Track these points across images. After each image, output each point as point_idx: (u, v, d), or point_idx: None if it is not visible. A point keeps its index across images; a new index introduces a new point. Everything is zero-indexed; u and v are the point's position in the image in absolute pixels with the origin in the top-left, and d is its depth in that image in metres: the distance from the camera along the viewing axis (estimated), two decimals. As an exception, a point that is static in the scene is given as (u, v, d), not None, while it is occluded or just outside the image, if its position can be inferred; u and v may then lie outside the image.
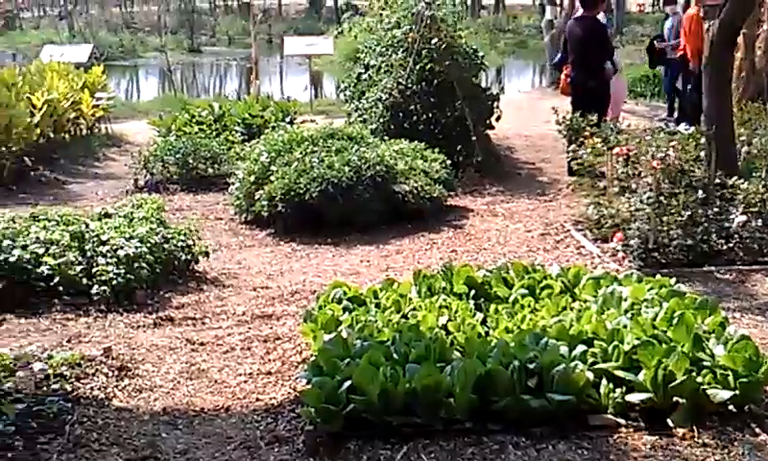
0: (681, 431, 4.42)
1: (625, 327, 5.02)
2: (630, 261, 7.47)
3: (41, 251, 6.89)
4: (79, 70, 15.27)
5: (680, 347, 4.72)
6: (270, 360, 5.65)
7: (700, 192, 7.91)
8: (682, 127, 10.13)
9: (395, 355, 4.76)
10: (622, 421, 4.53)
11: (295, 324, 6.26)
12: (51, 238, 7.07)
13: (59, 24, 37.61)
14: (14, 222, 7.41)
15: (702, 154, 8.42)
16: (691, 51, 13.88)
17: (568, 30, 11.89)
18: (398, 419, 4.41)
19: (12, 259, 6.72)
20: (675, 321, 5.00)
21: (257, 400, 5.10)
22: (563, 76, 12.11)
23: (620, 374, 4.66)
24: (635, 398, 4.57)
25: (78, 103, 14.00)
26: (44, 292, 6.75)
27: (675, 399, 4.52)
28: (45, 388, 5.11)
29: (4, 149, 11.44)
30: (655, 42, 16.43)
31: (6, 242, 6.86)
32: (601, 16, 13.19)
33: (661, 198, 7.69)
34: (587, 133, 9.49)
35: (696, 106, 13.64)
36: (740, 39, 10.57)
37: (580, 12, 11.80)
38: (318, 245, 8.66)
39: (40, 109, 12.34)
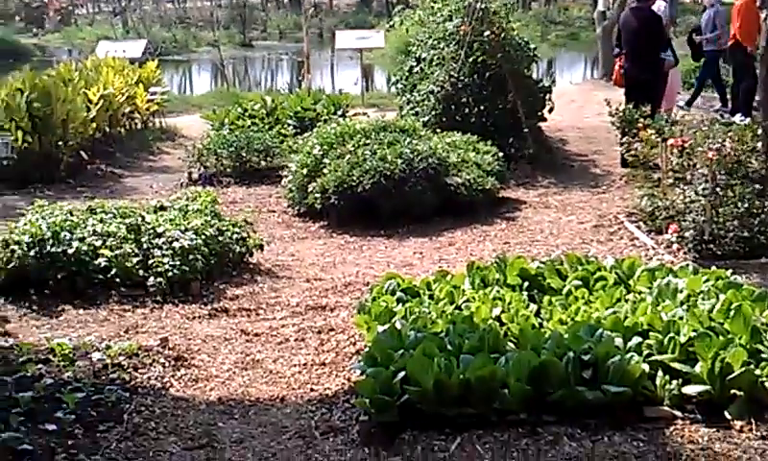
0: (738, 424, 4.38)
1: (681, 318, 4.98)
2: (685, 253, 7.41)
3: (99, 243, 6.99)
4: (133, 65, 15.45)
5: (737, 339, 4.68)
6: (324, 351, 5.69)
7: (756, 184, 7.80)
8: (737, 117, 10.00)
9: (448, 347, 4.77)
10: (678, 413, 4.50)
11: (348, 315, 6.30)
12: (108, 231, 7.19)
13: (113, 20, 38.02)
14: (72, 215, 7.51)
15: (758, 145, 8.31)
16: (743, 37, 13.68)
17: (622, 21, 11.79)
18: (452, 410, 4.42)
19: (70, 251, 6.83)
20: (732, 313, 4.94)
21: (312, 390, 5.14)
22: (616, 67, 12.02)
23: (676, 365, 4.63)
24: (691, 390, 4.53)
25: (133, 97, 14.16)
26: (101, 283, 6.86)
27: (732, 391, 4.47)
28: (104, 377, 5.20)
29: (61, 143, 11.62)
30: (693, 35, 16.25)
31: (64, 234, 6.97)
32: (663, 5, 13.09)
33: (717, 189, 7.60)
34: (640, 125, 9.40)
35: (752, 91, 13.53)
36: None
37: (635, 2, 11.69)
38: (371, 237, 8.68)
39: (96, 104, 12.50)
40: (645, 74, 11.10)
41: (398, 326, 5.13)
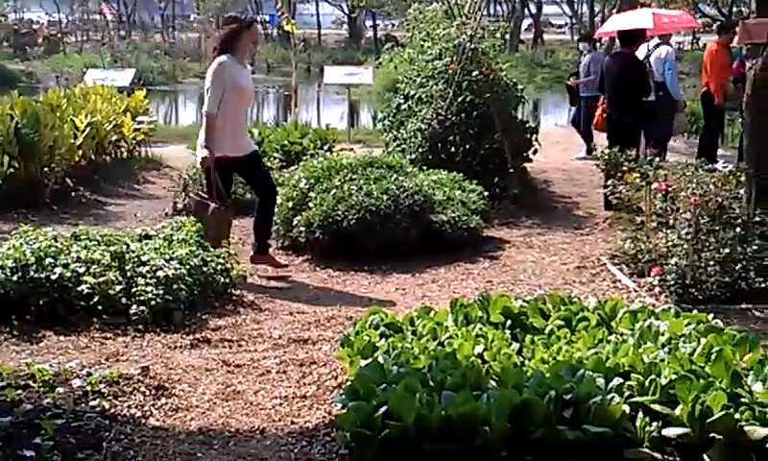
0: (717, 468, 4.39)
1: (662, 361, 5.00)
2: (667, 296, 7.45)
3: (82, 270, 6.97)
4: (121, 94, 15.47)
5: (718, 382, 4.69)
6: (305, 384, 5.68)
7: (739, 229, 7.87)
8: (720, 164, 10.10)
9: (431, 382, 4.76)
10: (658, 455, 4.49)
11: (331, 349, 6.29)
12: (92, 258, 7.16)
13: (101, 49, 38.09)
14: (57, 241, 7.49)
15: (741, 191, 8.39)
16: (714, 88, 13.81)
17: (605, 66, 11.94)
18: (433, 446, 4.40)
19: (53, 277, 6.81)
20: (713, 356, 4.97)
21: (292, 423, 5.12)
22: (599, 112, 12.15)
23: (657, 407, 4.64)
24: (671, 432, 4.54)
25: (120, 126, 14.17)
26: (84, 310, 6.83)
27: (712, 435, 4.47)
28: (84, 405, 5.15)
29: (47, 169, 11.61)
30: (571, 79, 16.47)
31: (48, 260, 6.96)
32: (669, 49, 13.24)
33: (700, 234, 7.66)
34: (625, 168, 9.48)
35: (713, 145, 13.70)
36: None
37: (619, 48, 11.87)
38: (354, 272, 8.69)
39: (83, 131, 12.51)
40: (627, 118, 11.23)
41: (381, 360, 5.13)
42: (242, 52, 8.56)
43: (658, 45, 13.31)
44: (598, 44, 17.26)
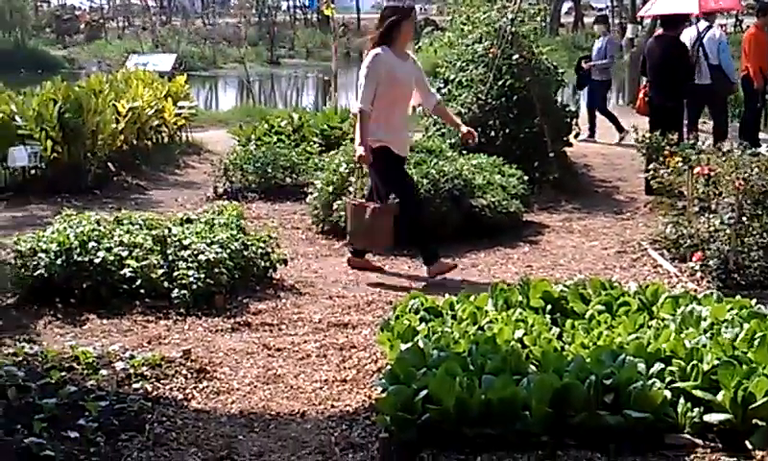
0: (760, 454, 4.34)
1: (704, 346, 4.96)
2: (708, 282, 7.38)
3: (125, 253, 7.05)
4: (162, 79, 15.57)
5: (760, 368, 4.65)
6: (345, 368, 5.71)
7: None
8: (764, 148, 9.98)
9: (471, 367, 4.77)
10: (699, 441, 4.47)
11: (370, 333, 6.31)
12: (134, 241, 7.24)
13: (142, 34, 38.36)
14: (100, 225, 7.57)
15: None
16: (754, 71, 13.62)
17: (647, 49, 11.84)
18: (473, 430, 4.41)
19: (96, 261, 6.90)
20: (756, 342, 4.92)
21: (332, 406, 5.15)
22: (641, 95, 12.06)
23: (698, 393, 4.61)
24: (713, 418, 4.51)
25: (161, 111, 14.25)
26: (126, 294, 6.92)
27: (755, 421, 4.44)
28: (126, 387, 5.23)
29: (90, 154, 11.73)
30: (582, 62, 16.33)
31: (92, 244, 7.03)
32: (719, 32, 13.09)
33: (743, 219, 7.58)
34: (667, 152, 9.39)
35: (749, 125, 13.55)
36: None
37: (661, 30, 11.74)
38: (394, 256, 8.69)
39: (125, 116, 12.60)
40: (670, 102, 11.13)
41: (421, 344, 5.14)
42: (401, 43, 7.96)
43: (708, 28, 13.12)
44: (639, 27, 17.09)
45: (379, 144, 7.73)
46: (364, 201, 8.08)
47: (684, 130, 11.63)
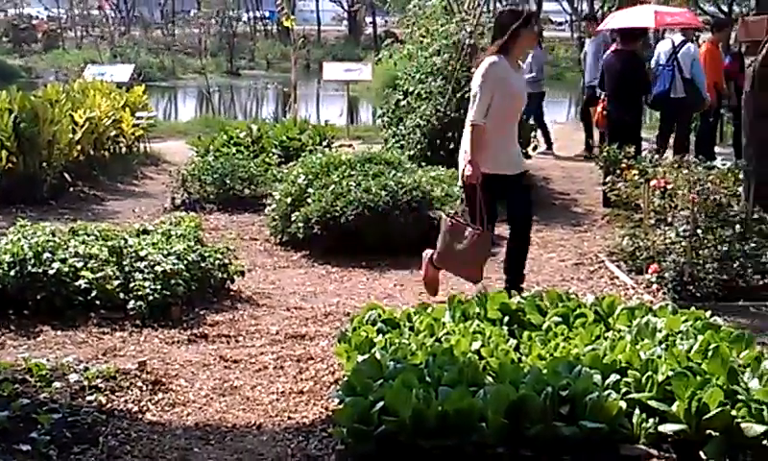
0: (713, 464, 4.39)
1: (659, 357, 5.00)
2: (664, 293, 7.44)
3: (80, 265, 6.98)
4: (120, 89, 15.47)
5: (714, 379, 4.69)
6: (302, 379, 5.69)
7: (737, 227, 7.87)
8: (718, 161, 10.11)
9: (427, 378, 4.77)
10: (654, 451, 4.51)
11: (328, 344, 6.29)
12: (90, 253, 7.17)
13: (100, 44, 38.06)
14: (55, 236, 7.49)
15: (740, 189, 8.39)
16: (708, 86, 13.76)
17: (606, 63, 11.91)
18: (430, 441, 4.41)
19: (51, 272, 6.81)
20: (710, 353, 4.95)
21: (289, 418, 5.13)
22: (599, 109, 12.15)
23: (653, 404, 4.64)
24: (668, 428, 4.54)
25: (119, 121, 14.15)
26: (81, 305, 6.84)
27: (708, 431, 4.49)
28: (80, 399, 5.16)
29: (45, 164, 11.61)
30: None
31: (46, 255, 6.95)
32: (692, 47, 13.14)
33: (698, 231, 7.66)
34: (624, 165, 9.48)
35: (710, 143, 13.70)
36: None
37: (619, 45, 11.85)
38: (352, 268, 8.68)
39: (82, 127, 12.50)
40: (628, 116, 11.23)
41: (378, 356, 5.13)
42: (518, 53, 7.36)
43: (684, 42, 13.24)
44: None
45: (487, 167, 7.04)
46: (461, 219, 7.30)
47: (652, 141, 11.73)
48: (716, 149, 14.49)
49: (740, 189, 8.41)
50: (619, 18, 13.49)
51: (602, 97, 11.99)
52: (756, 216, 8.13)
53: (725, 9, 23.36)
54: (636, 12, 13.84)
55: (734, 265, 7.53)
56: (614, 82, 11.42)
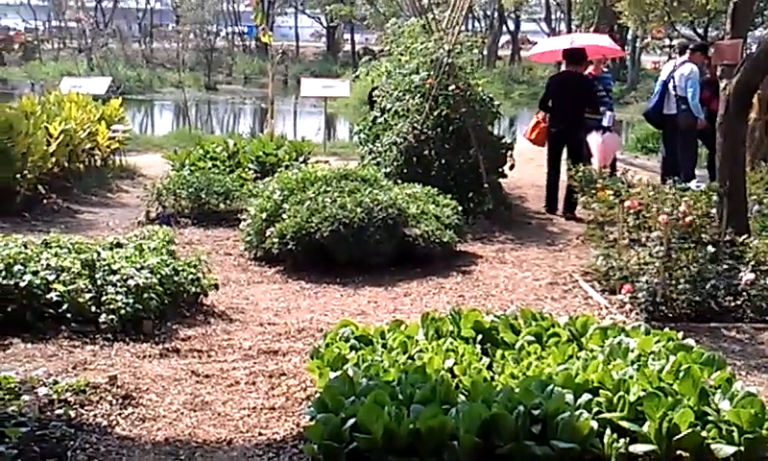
0: (683, 485, 4.40)
1: (631, 377, 5.01)
2: (637, 314, 7.47)
3: (52, 277, 6.91)
4: (97, 102, 15.41)
5: (685, 400, 4.71)
6: (274, 395, 5.66)
7: (709, 248, 7.92)
8: (693, 184, 10.15)
9: (399, 396, 4.76)
10: (625, 471, 4.51)
11: (300, 360, 6.27)
12: (62, 265, 7.10)
13: (77, 57, 37.92)
14: (27, 248, 7.43)
15: (713, 211, 8.44)
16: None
17: (555, 85, 12.47)
18: (401, 459, 4.40)
19: (22, 284, 6.74)
20: (681, 374, 4.98)
21: (260, 434, 5.10)
22: (541, 125, 12.64)
23: (625, 424, 4.65)
24: (638, 449, 4.55)
25: (94, 134, 14.10)
26: (52, 318, 6.76)
27: (679, 452, 4.50)
28: (49, 413, 5.11)
29: (19, 176, 11.52)
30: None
31: (17, 267, 6.89)
32: (692, 67, 13.23)
33: (671, 252, 7.70)
34: (599, 185, 9.52)
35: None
36: (754, 99, 10.59)
37: (571, 67, 12.48)
38: (326, 284, 8.67)
39: (57, 138, 12.43)
40: (581, 133, 11.55)
41: (350, 373, 5.12)
42: None
43: (683, 63, 13.36)
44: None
45: None
46: None
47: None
48: (698, 172, 14.58)
49: (713, 211, 8.46)
50: (540, 44, 14.30)
51: (540, 116, 12.58)
52: (728, 238, 8.18)
53: (701, 31, 23.56)
54: (557, 39, 14.67)
55: (707, 286, 7.57)
56: (562, 101, 12.36)
